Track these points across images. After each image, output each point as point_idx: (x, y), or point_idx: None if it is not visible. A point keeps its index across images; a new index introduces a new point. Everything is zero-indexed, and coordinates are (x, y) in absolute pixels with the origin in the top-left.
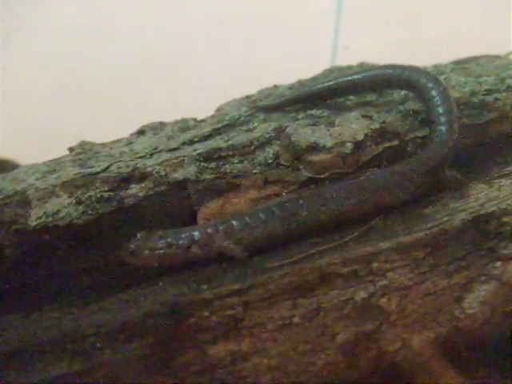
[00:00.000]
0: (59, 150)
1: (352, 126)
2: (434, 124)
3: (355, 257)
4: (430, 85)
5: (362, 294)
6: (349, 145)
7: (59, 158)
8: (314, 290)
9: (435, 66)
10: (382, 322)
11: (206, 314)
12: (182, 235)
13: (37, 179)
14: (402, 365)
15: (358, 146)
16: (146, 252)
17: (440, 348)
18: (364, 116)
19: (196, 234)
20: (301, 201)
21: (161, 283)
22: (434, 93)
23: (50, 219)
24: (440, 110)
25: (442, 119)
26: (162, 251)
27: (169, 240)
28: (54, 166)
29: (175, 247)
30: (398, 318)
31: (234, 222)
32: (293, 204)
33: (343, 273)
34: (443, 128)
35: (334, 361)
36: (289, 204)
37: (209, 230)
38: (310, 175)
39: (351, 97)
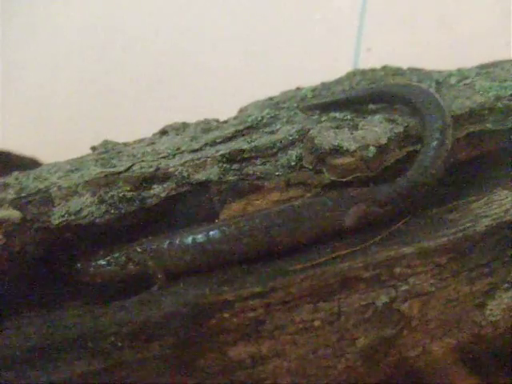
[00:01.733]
0: (81, 149)
1: (375, 129)
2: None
3: (377, 261)
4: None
5: (384, 299)
6: (372, 148)
7: (82, 157)
8: (335, 294)
9: (459, 70)
10: (403, 327)
11: (226, 315)
12: (120, 252)
13: (60, 178)
14: (422, 371)
15: (382, 149)
16: (91, 269)
17: (461, 355)
18: (387, 120)
19: (130, 251)
20: (227, 229)
21: (182, 284)
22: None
23: (72, 218)
24: (430, 146)
25: (426, 157)
26: (103, 268)
27: (108, 257)
28: (77, 164)
29: (114, 264)
30: (419, 324)
31: (163, 245)
32: (219, 233)
33: (365, 277)
34: (418, 166)
35: (353, 365)
36: (213, 232)
37: (139, 249)
38: (333, 178)
39: None
